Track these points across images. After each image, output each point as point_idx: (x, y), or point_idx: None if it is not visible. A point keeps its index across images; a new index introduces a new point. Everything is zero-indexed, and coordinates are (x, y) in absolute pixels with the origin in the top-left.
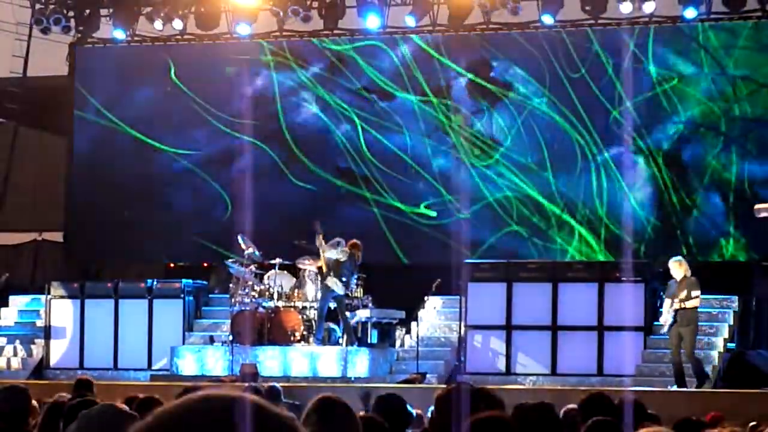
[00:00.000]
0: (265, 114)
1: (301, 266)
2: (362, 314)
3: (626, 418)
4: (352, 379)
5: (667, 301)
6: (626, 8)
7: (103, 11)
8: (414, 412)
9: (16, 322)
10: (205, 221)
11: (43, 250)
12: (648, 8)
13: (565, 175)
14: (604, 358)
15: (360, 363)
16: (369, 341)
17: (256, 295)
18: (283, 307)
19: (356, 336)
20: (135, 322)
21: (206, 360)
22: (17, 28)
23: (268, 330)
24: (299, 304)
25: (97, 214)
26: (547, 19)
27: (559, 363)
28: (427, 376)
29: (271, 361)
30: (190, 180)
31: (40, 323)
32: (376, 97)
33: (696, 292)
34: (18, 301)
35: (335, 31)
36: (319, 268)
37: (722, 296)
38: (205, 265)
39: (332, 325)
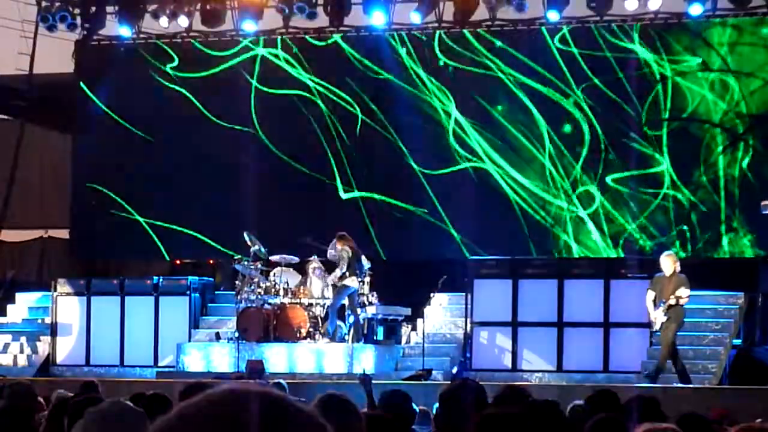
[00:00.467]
0: (270, 110)
1: (313, 265)
2: (368, 311)
3: (635, 414)
4: (358, 375)
5: (650, 294)
6: (632, 5)
7: (109, 8)
8: (417, 408)
9: (23, 319)
10: (211, 218)
11: (49, 247)
12: (653, 5)
13: (570, 170)
14: (610, 355)
15: (366, 359)
16: (375, 338)
17: (262, 292)
18: (289, 303)
19: (363, 333)
20: (141, 319)
21: (212, 357)
22: (23, 26)
23: (274, 327)
24: (305, 301)
25: (102, 211)
26: (553, 16)
27: (565, 359)
28: (433, 372)
29: (277, 357)
30: (196, 177)
31: (46, 320)
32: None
33: (687, 291)
34: (24, 299)
35: (341, 28)
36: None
37: (728, 293)
38: (211, 261)
39: (339, 322)
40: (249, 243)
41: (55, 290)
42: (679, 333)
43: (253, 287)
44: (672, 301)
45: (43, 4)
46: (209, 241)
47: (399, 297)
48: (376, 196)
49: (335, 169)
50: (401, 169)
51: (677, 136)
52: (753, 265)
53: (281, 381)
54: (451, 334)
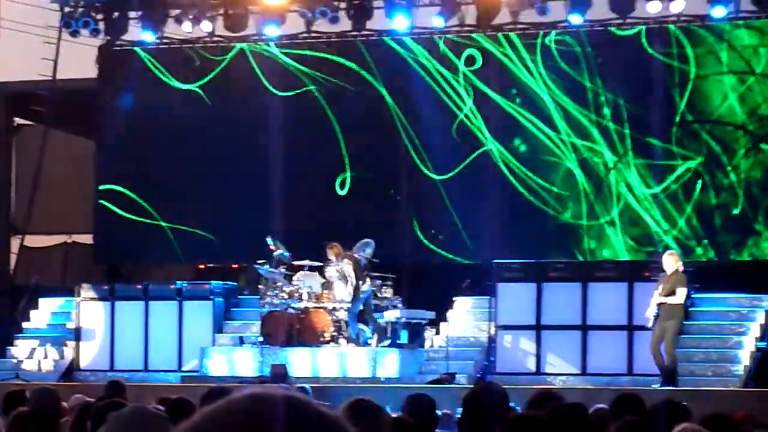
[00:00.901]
0: (288, 114)
1: (329, 270)
2: (392, 315)
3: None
4: (382, 379)
5: (655, 293)
6: (654, 7)
7: (132, 14)
8: (440, 412)
9: (47, 325)
10: (234, 223)
11: (72, 252)
12: (676, 8)
13: (593, 173)
14: (634, 358)
15: (389, 363)
16: (398, 342)
17: (286, 296)
18: (312, 308)
19: (386, 336)
20: (165, 324)
21: (236, 361)
22: (46, 32)
23: (298, 331)
24: (329, 305)
25: (126, 216)
26: (575, 19)
27: (588, 363)
28: (457, 376)
29: (300, 362)
30: (220, 182)
31: (70, 325)
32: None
33: (682, 289)
34: (48, 304)
35: (363, 32)
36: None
37: (752, 295)
38: (235, 266)
39: (362, 326)
40: (273, 247)
41: (79, 295)
42: (702, 336)
43: (276, 292)
44: (660, 300)
45: (66, 9)
46: (232, 245)
47: (423, 300)
48: (399, 199)
49: (348, 171)
50: (421, 172)
51: (700, 139)
52: None
53: (305, 385)
54: (474, 338)
